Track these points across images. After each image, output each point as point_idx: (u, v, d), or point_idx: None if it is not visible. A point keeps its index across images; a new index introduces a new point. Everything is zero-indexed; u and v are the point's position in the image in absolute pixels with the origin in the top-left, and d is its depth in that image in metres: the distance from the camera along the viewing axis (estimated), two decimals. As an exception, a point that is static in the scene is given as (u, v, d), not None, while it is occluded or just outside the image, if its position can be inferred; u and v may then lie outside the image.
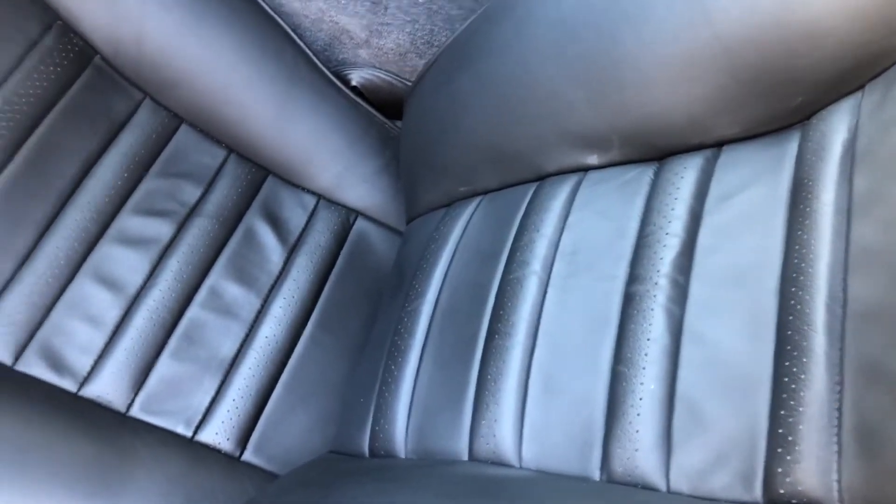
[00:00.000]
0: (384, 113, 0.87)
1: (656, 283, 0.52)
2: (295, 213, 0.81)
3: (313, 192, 0.82)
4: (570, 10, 0.59)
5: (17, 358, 0.66)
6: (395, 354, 0.66)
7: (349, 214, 0.83)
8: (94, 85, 0.76)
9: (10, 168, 0.70)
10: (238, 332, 0.74)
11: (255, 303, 0.75)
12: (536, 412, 0.54)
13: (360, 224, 0.83)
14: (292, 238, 0.80)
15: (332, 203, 0.82)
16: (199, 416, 0.70)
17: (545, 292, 0.58)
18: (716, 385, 0.47)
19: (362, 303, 0.79)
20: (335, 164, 0.82)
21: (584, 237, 0.59)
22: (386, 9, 0.83)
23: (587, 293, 0.56)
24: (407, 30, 0.84)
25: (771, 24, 0.49)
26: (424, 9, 0.82)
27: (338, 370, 0.75)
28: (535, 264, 0.60)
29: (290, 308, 0.76)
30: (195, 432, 0.69)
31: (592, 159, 0.63)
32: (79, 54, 0.75)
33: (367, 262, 0.81)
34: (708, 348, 0.49)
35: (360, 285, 0.80)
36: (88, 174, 0.74)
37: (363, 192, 0.83)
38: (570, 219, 0.60)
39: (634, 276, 0.54)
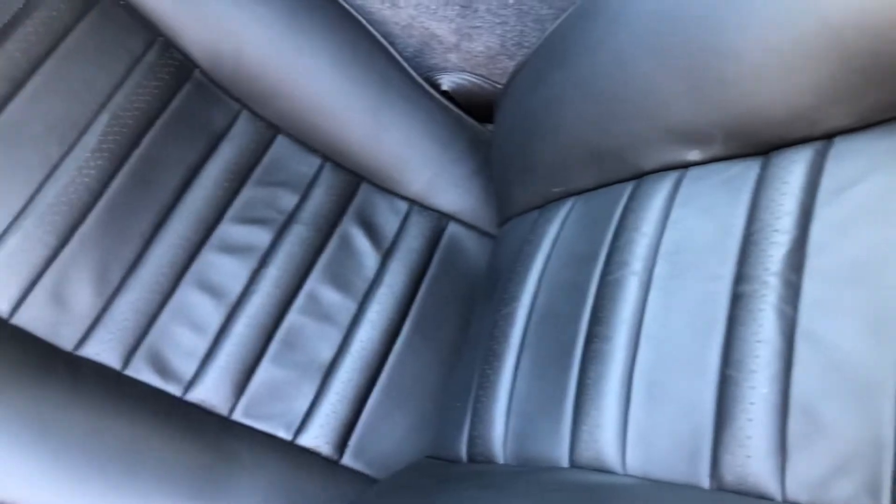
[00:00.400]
0: (475, 116, 0.86)
1: (766, 283, 0.50)
2: (388, 218, 0.81)
3: (406, 198, 0.83)
4: (668, 1, 0.57)
5: (126, 363, 0.69)
6: (491, 359, 0.65)
7: (441, 219, 0.82)
8: (194, 98, 0.79)
9: (118, 180, 0.73)
10: (335, 336, 0.74)
11: (352, 307, 0.76)
12: (640, 417, 0.52)
13: (453, 228, 0.82)
14: (386, 243, 0.80)
15: (425, 208, 0.82)
16: (299, 420, 0.71)
17: (647, 294, 0.56)
18: (835, 389, 0.45)
19: (456, 307, 0.78)
20: (427, 169, 0.82)
21: (686, 236, 0.57)
22: (475, 11, 0.82)
23: (692, 294, 0.54)
24: (497, 32, 0.83)
25: (885, 6, 0.46)
26: (514, 10, 0.81)
27: (434, 374, 0.75)
28: (636, 265, 0.58)
29: (385, 313, 0.76)
30: (295, 436, 0.70)
31: (694, 155, 0.61)
32: (179, 68, 0.78)
33: (461, 266, 0.81)
34: (825, 350, 0.46)
35: (454, 289, 0.79)
36: (190, 185, 0.76)
37: (455, 196, 0.83)
38: (672, 217, 0.58)
39: (742, 276, 0.52)
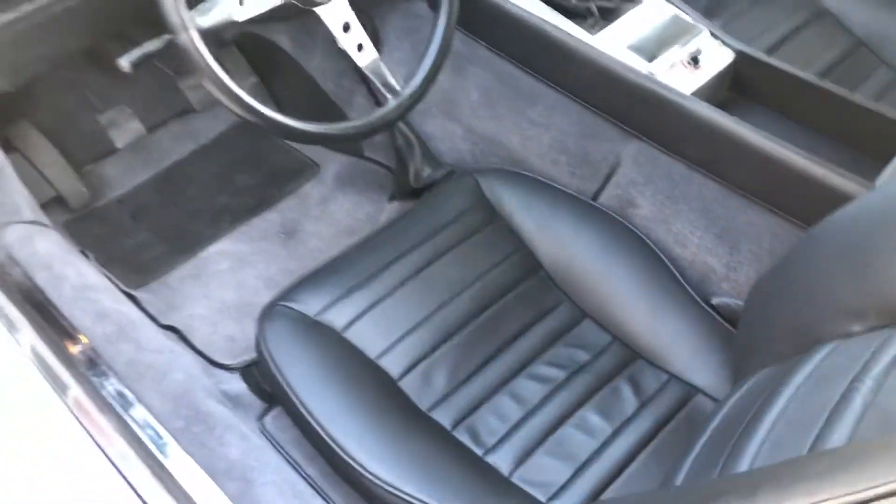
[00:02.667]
0: (732, 324, 1.15)
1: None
2: (651, 383, 1.11)
3: (668, 371, 1.12)
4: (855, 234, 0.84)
5: (453, 427, 1.06)
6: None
7: (692, 391, 1.10)
8: (535, 285, 1.21)
9: (475, 322, 1.15)
10: (592, 446, 1.04)
11: (608, 431, 1.06)
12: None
13: (699, 399, 1.09)
14: (644, 398, 1.09)
15: (681, 381, 1.11)
16: (555, 491, 1.00)
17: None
18: None
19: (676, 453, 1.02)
20: (686, 354, 1.12)
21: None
22: (740, 250, 1.15)
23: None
24: (755, 266, 1.14)
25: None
26: (766, 251, 1.13)
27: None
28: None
29: (628, 444, 1.04)
30: (549, 500, 0.99)
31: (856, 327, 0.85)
32: (531, 267, 1.21)
33: (695, 429, 1.06)
34: None
35: (682, 441, 1.03)
36: (519, 337, 1.16)
37: (706, 377, 1.10)
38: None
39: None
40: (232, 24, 1.00)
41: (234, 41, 1.72)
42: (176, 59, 1.73)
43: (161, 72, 1.66)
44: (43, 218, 1.37)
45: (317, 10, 1.05)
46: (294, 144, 1.72)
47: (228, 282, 1.48)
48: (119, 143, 1.62)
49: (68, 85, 1.63)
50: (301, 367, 1.07)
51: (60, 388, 1.08)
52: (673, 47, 1.25)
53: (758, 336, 0.99)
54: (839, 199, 0.97)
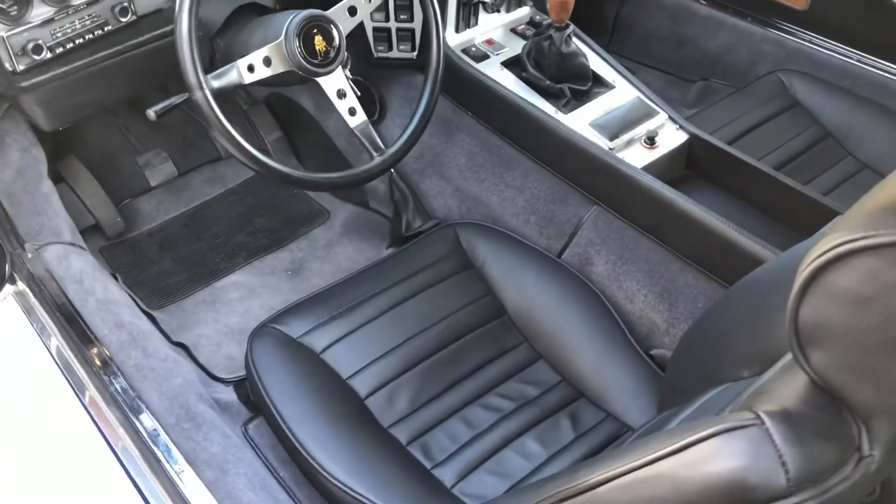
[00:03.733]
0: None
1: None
2: (589, 420, 1.25)
3: (605, 411, 1.26)
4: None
5: (408, 443, 1.21)
6: None
7: (623, 428, 1.23)
8: (498, 328, 1.36)
9: (439, 354, 1.30)
10: (527, 468, 1.18)
11: (543, 456, 1.19)
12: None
13: (629, 435, 1.22)
14: (580, 431, 1.23)
15: (616, 419, 1.25)
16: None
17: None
18: None
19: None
20: (625, 397, 1.26)
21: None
22: (678, 308, 1.30)
23: None
24: (689, 322, 1.29)
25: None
26: (700, 309, 1.27)
27: None
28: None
29: (557, 467, 1.17)
30: (482, 511, 1.13)
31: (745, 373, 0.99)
32: (497, 311, 1.37)
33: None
34: None
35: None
36: (476, 372, 1.31)
37: (639, 417, 1.24)
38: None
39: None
40: (241, 87, 1.20)
41: (263, 100, 1.94)
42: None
43: (196, 122, 1.89)
44: (80, 241, 1.58)
45: (316, 78, 1.25)
46: (310, 193, 1.93)
47: (236, 309, 1.66)
48: (153, 182, 1.83)
49: (114, 128, 1.86)
50: (280, 379, 1.23)
51: (78, 386, 1.27)
52: (634, 128, 1.43)
53: (678, 380, 1.14)
54: (757, 265, 1.12)
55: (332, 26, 1.23)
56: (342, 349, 1.29)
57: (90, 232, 1.74)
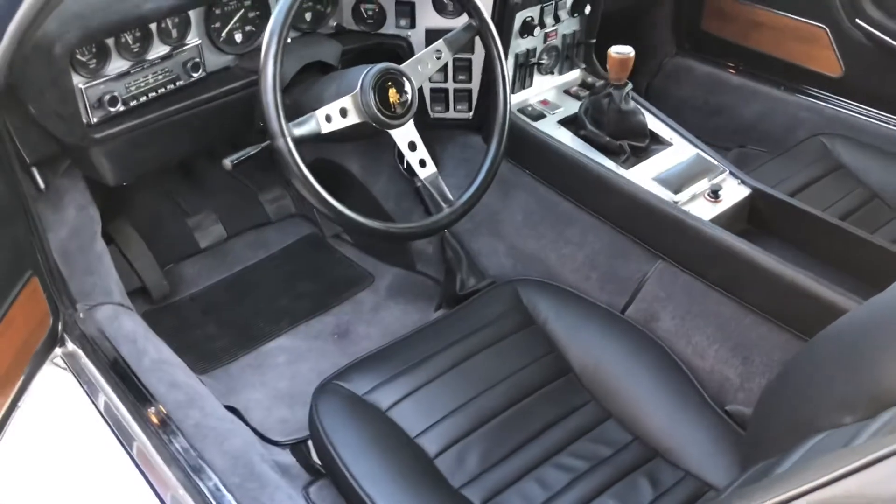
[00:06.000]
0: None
1: None
2: (668, 480, 1.20)
3: (684, 470, 1.21)
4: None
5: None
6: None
7: (704, 487, 1.18)
8: (564, 386, 1.32)
9: (505, 414, 1.25)
10: None
11: None
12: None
13: (711, 494, 1.17)
14: (659, 491, 1.18)
15: (696, 478, 1.19)
16: None
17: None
18: None
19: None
20: (703, 455, 1.21)
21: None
22: (752, 362, 1.27)
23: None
24: (766, 376, 1.25)
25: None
26: (777, 362, 1.24)
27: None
28: None
29: None
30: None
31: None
32: (561, 370, 1.33)
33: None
34: None
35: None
36: (546, 431, 1.26)
37: (719, 474, 1.19)
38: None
39: None
40: (318, 136, 1.20)
41: (309, 165, 1.95)
42: (258, 176, 1.95)
43: (242, 187, 1.89)
44: (128, 303, 1.55)
45: (389, 130, 1.25)
46: (352, 257, 1.91)
47: (284, 373, 1.62)
48: (203, 244, 1.82)
49: (161, 192, 1.85)
50: (348, 437, 1.19)
51: (135, 446, 1.23)
52: (696, 182, 1.42)
53: (764, 434, 1.09)
54: (838, 314, 1.09)
55: (405, 79, 1.24)
56: (409, 407, 1.25)
57: (134, 295, 1.71)
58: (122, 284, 1.55)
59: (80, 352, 1.37)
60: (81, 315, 1.41)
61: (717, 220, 1.38)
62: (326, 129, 1.20)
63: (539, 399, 1.29)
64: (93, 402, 1.31)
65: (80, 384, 1.34)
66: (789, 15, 2.09)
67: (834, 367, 0.98)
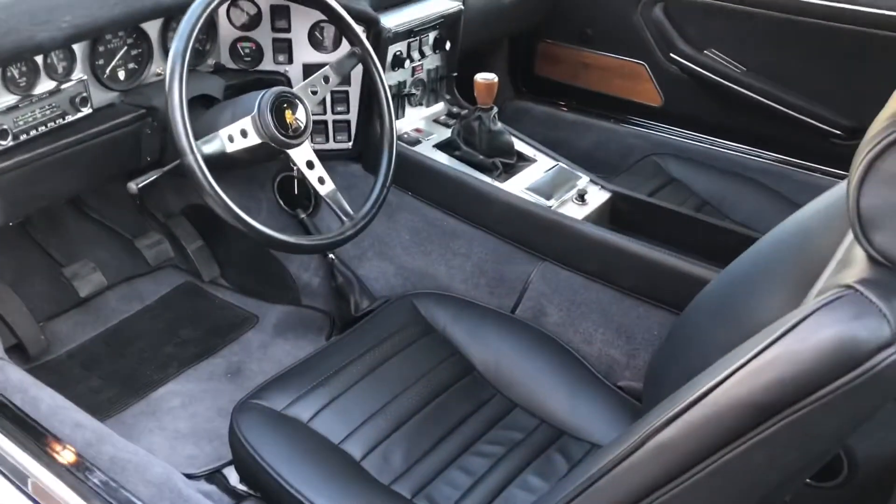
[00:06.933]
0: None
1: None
2: (577, 453, 1.30)
3: (590, 442, 1.31)
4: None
5: (412, 497, 1.20)
6: None
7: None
8: (469, 384, 1.40)
9: (420, 414, 1.31)
10: (532, 500, 1.20)
11: (546, 488, 1.22)
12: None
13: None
14: (573, 463, 1.28)
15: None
16: None
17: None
18: None
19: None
20: (605, 428, 1.33)
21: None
22: (635, 340, 1.41)
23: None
24: (649, 351, 1.40)
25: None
26: (656, 338, 1.39)
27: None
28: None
29: None
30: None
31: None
32: (464, 369, 1.41)
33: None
34: None
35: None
36: (461, 425, 1.33)
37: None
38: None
39: None
40: (223, 155, 1.24)
41: (181, 212, 1.95)
42: (128, 222, 1.91)
43: (118, 234, 1.85)
44: (7, 358, 1.48)
45: (287, 150, 1.31)
46: (233, 301, 1.91)
47: (181, 415, 1.59)
48: (83, 293, 1.76)
49: (31, 243, 1.78)
50: (275, 449, 1.20)
51: (43, 493, 1.18)
52: (563, 188, 1.58)
53: (661, 392, 1.22)
54: (702, 284, 1.25)
55: (299, 101, 1.31)
56: (329, 416, 1.28)
57: (7, 354, 1.62)
58: (0, 338, 1.48)
59: None
60: None
61: (586, 220, 1.53)
62: (230, 148, 1.24)
63: (449, 397, 1.37)
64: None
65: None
66: (612, 55, 2.35)
67: (711, 324, 1.13)
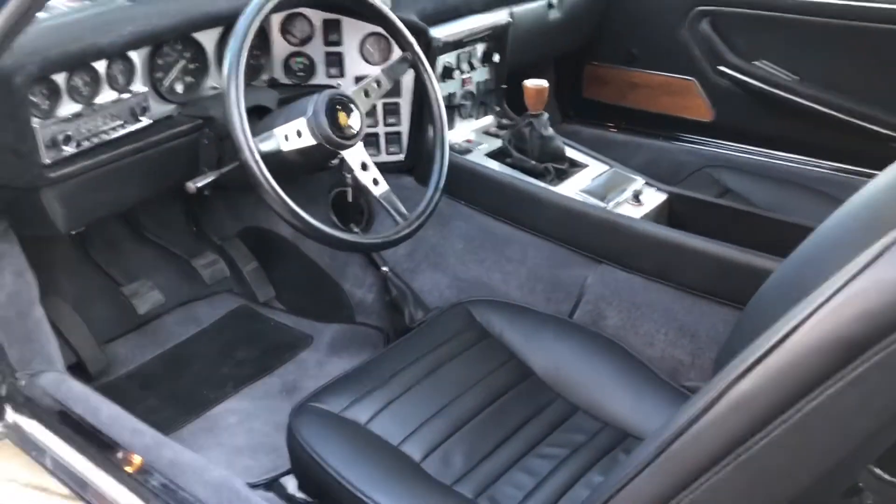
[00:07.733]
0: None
1: None
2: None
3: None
4: None
5: (475, 497, 1.16)
6: None
7: None
8: (531, 388, 1.36)
9: (482, 415, 1.29)
10: None
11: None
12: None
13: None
14: None
15: None
16: None
17: None
18: None
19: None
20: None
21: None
22: (699, 339, 1.36)
23: None
24: (714, 349, 1.35)
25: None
26: (722, 335, 1.34)
27: None
28: None
29: None
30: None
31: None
32: (525, 373, 1.38)
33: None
34: None
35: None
36: (521, 428, 1.29)
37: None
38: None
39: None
40: (279, 154, 1.25)
41: (237, 234, 1.97)
42: (186, 243, 1.94)
43: (176, 256, 1.88)
44: (67, 374, 1.50)
45: (341, 151, 1.32)
46: (287, 322, 1.91)
47: (238, 431, 1.58)
48: (141, 311, 1.78)
49: (91, 266, 1.82)
50: (335, 450, 1.18)
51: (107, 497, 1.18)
52: (618, 190, 1.56)
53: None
54: (765, 277, 1.20)
55: (352, 104, 1.33)
56: (387, 418, 1.26)
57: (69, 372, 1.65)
58: (61, 354, 1.49)
59: (25, 421, 1.31)
60: (23, 382, 1.35)
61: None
62: (286, 146, 1.25)
63: (508, 400, 1.33)
64: (50, 469, 1.24)
65: (29, 452, 1.27)
66: (660, 73, 2.35)
67: (779, 311, 1.08)
